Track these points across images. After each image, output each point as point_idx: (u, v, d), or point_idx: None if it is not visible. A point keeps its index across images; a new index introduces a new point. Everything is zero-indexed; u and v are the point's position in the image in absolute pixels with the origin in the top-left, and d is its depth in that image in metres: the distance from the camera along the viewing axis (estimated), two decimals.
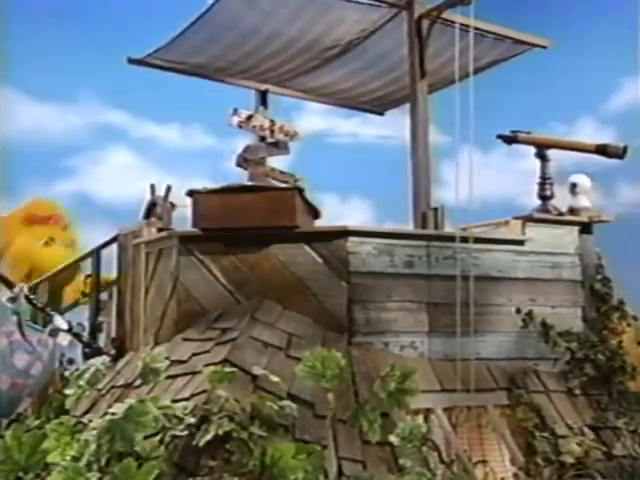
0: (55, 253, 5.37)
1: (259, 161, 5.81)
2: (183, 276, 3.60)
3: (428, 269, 3.74)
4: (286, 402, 2.69)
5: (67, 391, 3.35)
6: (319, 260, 3.56)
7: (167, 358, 3.28)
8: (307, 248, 3.57)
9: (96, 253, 4.88)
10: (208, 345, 3.27)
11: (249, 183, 3.63)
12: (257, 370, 2.80)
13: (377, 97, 6.13)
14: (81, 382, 3.30)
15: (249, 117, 5.60)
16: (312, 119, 6.78)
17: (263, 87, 6.06)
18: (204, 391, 2.86)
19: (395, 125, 6.61)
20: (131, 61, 5.37)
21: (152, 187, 4.85)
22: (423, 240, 3.77)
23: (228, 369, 2.72)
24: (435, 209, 4.09)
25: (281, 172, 5.37)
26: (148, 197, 4.82)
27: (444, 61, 5.07)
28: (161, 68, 5.40)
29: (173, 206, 4.81)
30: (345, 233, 3.58)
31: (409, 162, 4.36)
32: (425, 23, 4.24)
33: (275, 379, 2.73)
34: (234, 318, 3.43)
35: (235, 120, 5.50)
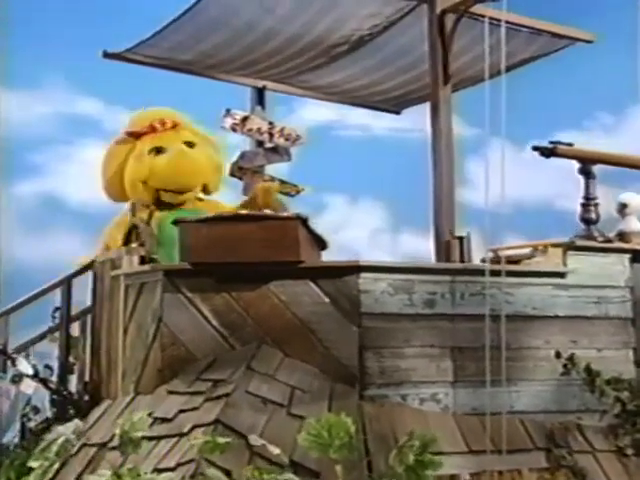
0: (166, 160, 4.62)
1: (256, 170, 5.86)
2: (168, 316, 3.62)
3: (452, 308, 3.74)
4: (288, 475, 2.71)
5: (31, 463, 3.36)
6: (326, 299, 3.57)
7: (149, 415, 3.29)
8: (312, 285, 3.58)
9: (66, 283, 4.92)
10: (197, 400, 3.28)
11: (244, 211, 3.65)
12: (255, 440, 2.81)
13: (393, 96, 6.20)
14: (49, 454, 3.32)
15: (244, 119, 5.65)
16: (317, 110, 6.83)
17: (261, 84, 6.12)
18: (192, 460, 2.88)
19: (413, 116, 6.68)
20: (107, 55, 5.43)
21: (133, 206, 4.89)
22: (446, 275, 3.77)
23: (221, 440, 2.73)
24: (461, 238, 4.10)
25: (282, 182, 5.39)
26: (127, 217, 4.87)
27: (472, 58, 5.12)
28: (141, 63, 5.46)
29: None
30: (356, 269, 3.58)
31: (429, 158, 4.39)
32: (449, 18, 4.28)
33: (276, 451, 2.74)
34: (227, 367, 3.43)
35: (228, 122, 5.55)
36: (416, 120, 6.44)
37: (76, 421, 3.73)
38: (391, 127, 7.92)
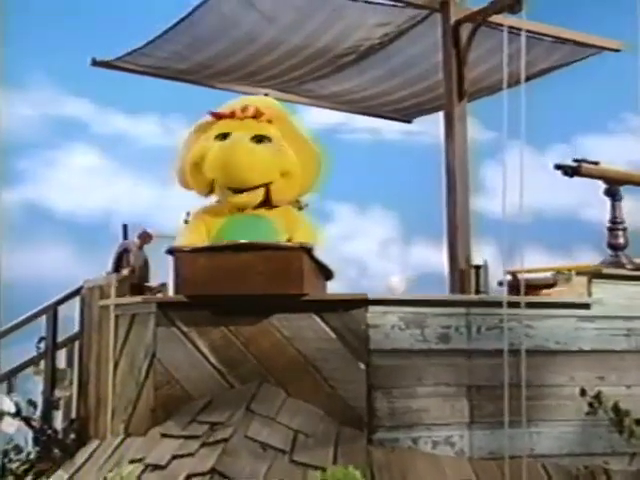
0: (219, 146, 4.05)
1: None
2: (162, 351, 3.61)
3: (468, 343, 3.74)
4: None
5: None
6: (332, 335, 3.57)
7: (140, 460, 3.30)
8: (317, 320, 3.58)
9: (52, 310, 4.95)
10: (193, 445, 3.26)
11: (244, 241, 3.67)
12: None
13: (404, 107, 6.29)
14: None
15: None
16: (321, 112, 6.88)
17: (262, 92, 6.18)
18: None
19: (425, 118, 6.74)
20: (96, 63, 5.50)
21: (124, 228, 4.90)
22: (462, 307, 3.77)
23: None
24: (477, 267, 4.12)
25: None
26: (119, 241, 4.90)
27: (489, 68, 5.17)
28: (133, 72, 5.52)
29: (148, 237, 4.88)
30: (364, 302, 3.58)
31: (442, 164, 4.41)
32: (465, 27, 4.32)
33: None
34: (226, 409, 3.42)
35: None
36: (428, 123, 6.51)
37: (59, 474, 3.73)
38: (402, 130, 7.93)
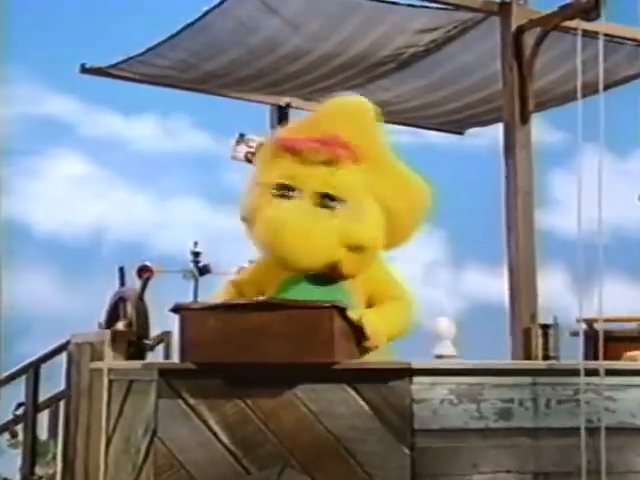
0: (264, 219, 3.69)
1: None
2: (164, 428, 3.61)
3: (535, 420, 3.71)
4: None
5: None
6: (368, 411, 3.56)
7: None
8: (350, 392, 3.57)
9: (33, 370, 5.03)
10: None
11: (264, 297, 3.70)
12: None
13: (455, 120, 6.36)
14: None
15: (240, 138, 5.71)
16: None
17: (283, 101, 6.27)
18: None
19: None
20: (85, 70, 5.61)
21: (121, 270, 4.99)
22: (526, 375, 3.74)
23: None
24: (545, 326, 4.11)
25: None
26: (116, 287, 4.97)
27: (560, 77, 5.20)
28: (130, 80, 5.64)
29: (149, 273, 4.91)
30: (407, 371, 3.57)
31: (501, 174, 4.40)
32: (529, 34, 4.35)
33: None
34: None
35: (241, 151, 5.59)
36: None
37: None
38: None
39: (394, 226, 3.83)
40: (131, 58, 5.32)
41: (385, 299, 3.94)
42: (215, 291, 4.23)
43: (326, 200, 3.74)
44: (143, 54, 5.21)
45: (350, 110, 3.92)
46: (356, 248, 3.73)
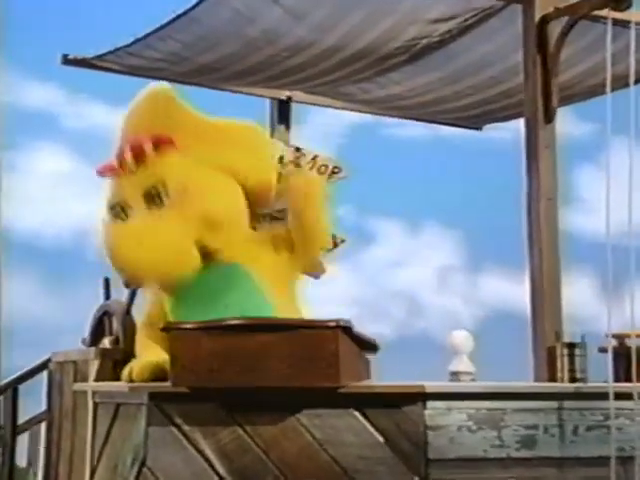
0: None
1: (276, 215, 5.93)
2: (155, 457, 3.60)
3: (561, 448, 3.70)
4: None
5: None
6: (378, 438, 3.55)
7: None
8: (359, 418, 3.56)
9: (11, 391, 5.02)
10: None
11: (265, 317, 3.68)
12: None
13: (471, 115, 6.35)
14: None
15: None
16: None
17: (284, 95, 6.27)
18: None
19: None
20: (68, 61, 5.61)
21: (106, 281, 4.97)
22: (552, 399, 3.74)
23: None
24: (572, 345, 4.09)
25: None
26: (101, 299, 4.96)
27: (588, 69, 5.22)
28: (117, 72, 5.64)
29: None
30: (421, 395, 3.56)
31: (523, 170, 4.37)
32: (554, 24, 4.32)
33: None
34: None
35: None
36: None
37: None
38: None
39: (244, 182, 3.88)
40: (118, 49, 5.31)
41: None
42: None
43: (153, 199, 3.83)
44: (131, 45, 5.20)
45: (146, 101, 4.01)
46: (208, 225, 3.79)
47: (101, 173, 3.99)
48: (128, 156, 3.83)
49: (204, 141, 3.89)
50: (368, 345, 3.90)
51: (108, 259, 3.90)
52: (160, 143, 3.86)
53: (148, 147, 3.85)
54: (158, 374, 3.76)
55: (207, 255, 3.87)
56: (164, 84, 4.05)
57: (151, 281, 3.91)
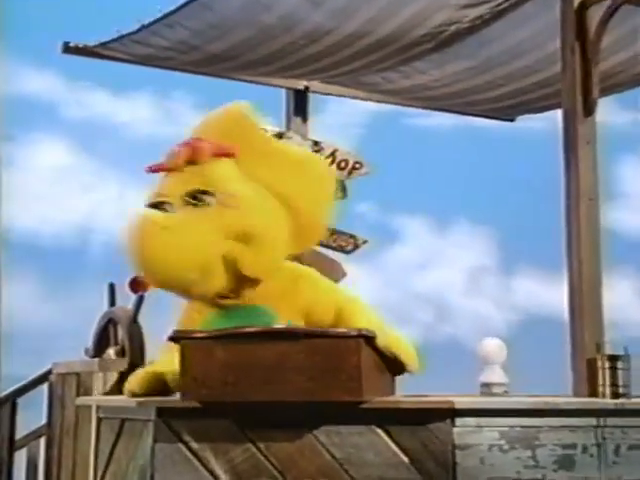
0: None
1: None
2: (162, 477, 3.60)
3: (602, 469, 3.69)
4: None
5: None
6: (403, 458, 3.55)
7: None
8: (382, 435, 3.56)
9: (10, 405, 5.06)
10: None
11: (280, 325, 3.68)
12: None
13: (504, 107, 6.35)
14: None
15: (277, 135, 5.75)
16: None
17: (301, 84, 6.29)
18: None
19: None
20: (69, 49, 5.65)
21: (111, 287, 4.99)
22: (591, 416, 3.72)
23: None
24: (613, 358, 4.07)
25: (333, 231, 5.44)
26: (105, 308, 4.97)
27: (631, 57, 5.23)
28: (123, 61, 5.68)
29: (143, 287, 4.90)
30: (449, 412, 3.55)
31: (561, 164, 4.36)
32: (594, 10, 4.31)
33: None
34: None
35: None
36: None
37: None
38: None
39: (295, 215, 3.94)
40: (123, 37, 5.33)
41: (341, 309, 3.97)
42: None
43: (196, 198, 3.91)
44: (136, 32, 5.22)
45: (219, 113, 4.17)
46: (245, 235, 3.82)
47: (152, 171, 4.08)
48: (183, 152, 3.96)
49: (265, 163, 4.00)
50: (394, 360, 3.81)
51: (133, 252, 3.90)
52: (220, 152, 4.00)
53: (207, 150, 3.98)
54: (155, 386, 3.81)
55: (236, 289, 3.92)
56: (242, 103, 4.16)
57: (171, 282, 3.91)
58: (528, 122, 6.96)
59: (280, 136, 5.64)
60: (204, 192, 3.91)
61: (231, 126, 4.06)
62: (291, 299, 3.99)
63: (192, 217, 3.85)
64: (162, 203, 3.93)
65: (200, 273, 3.79)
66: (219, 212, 3.87)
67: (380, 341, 3.68)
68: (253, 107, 4.13)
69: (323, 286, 4.14)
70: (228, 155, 4.01)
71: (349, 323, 3.84)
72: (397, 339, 3.83)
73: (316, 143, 5.65)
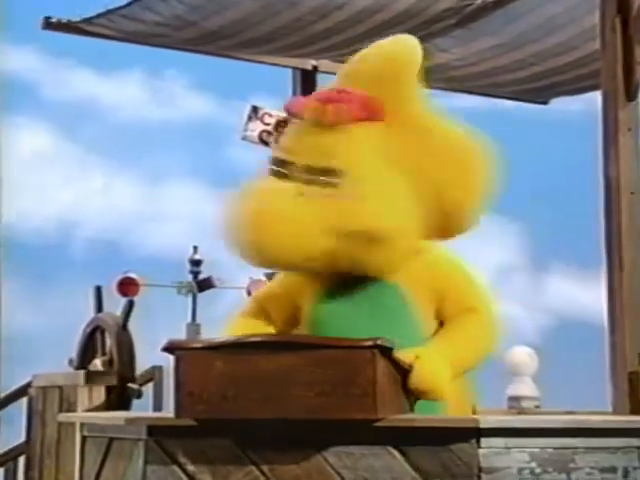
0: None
1: None
2: None
3: None
4: None
5: None
6: None
7: None
8: (397, 457, 3.55)
9: None
10: None
11: (288, 337, 3.68)
12: None
13: (535, 88, 6.37)
14: None
15: (282, 123, 5.71)
16: None
17: (309, 64, 6.32)
18: None
19: None
20: (50, 25, 5.69)
21: (98, 291, 5.02)
22: (633, 436, 3.73)
23: None
24: None
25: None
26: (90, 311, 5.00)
27: None
28: (111, 38, 5.72)
29: (133, 287, 4.90)
30: (474, 431, 3.53)
31: (599, 151, 4.36)
32: None
33: None
34: None
35: (255, 130, 5.57)
36: None
37: None
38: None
39: (440, 205, 3.77)
40: (110, 11, 5.36)
41: (458, 313, 3.93)
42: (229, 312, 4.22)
43: (324, 175, 3.76)
44: (125, 7, 5.25)
45: (383, 55, 3.90)
46: (357, 235, 3.69)
47: (291, 111, 3.91)
48: (327, 114, 3.73)
49: (417, 139, 3.79)
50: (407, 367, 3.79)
51: (238, 214, 3.80)
52: (368, 112, 3.78)
53: (353, 113, 3.76)
54: None
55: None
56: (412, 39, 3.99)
57: (259, 251, 3.83)
58: (564, 104, 6.98)
59: (284, 123, 5.54)
60: (334, 171, 3.75)
61: (392, 76, 3.82)
62: (426, 284, 3.92)
63: (309, 199, 3.70)
64: (286, 163, 3.80)
65: (290, 260, 3.76)
66: (338, 202, 3.72)
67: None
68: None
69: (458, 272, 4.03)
70: (376, 119, 3.79)
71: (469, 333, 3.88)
72: (445, 352, 3.81)
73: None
